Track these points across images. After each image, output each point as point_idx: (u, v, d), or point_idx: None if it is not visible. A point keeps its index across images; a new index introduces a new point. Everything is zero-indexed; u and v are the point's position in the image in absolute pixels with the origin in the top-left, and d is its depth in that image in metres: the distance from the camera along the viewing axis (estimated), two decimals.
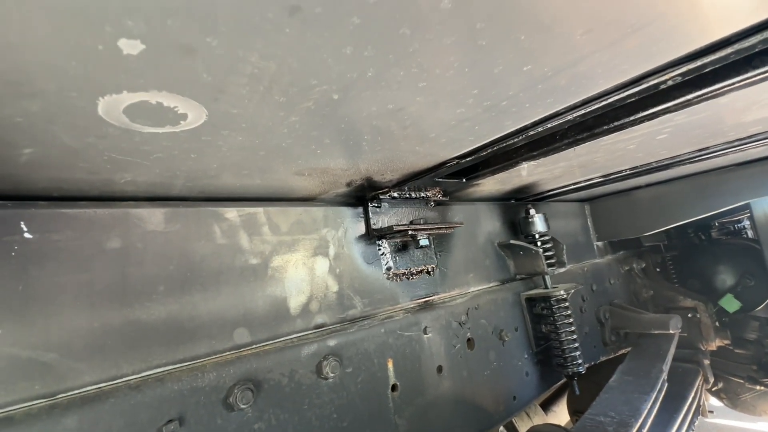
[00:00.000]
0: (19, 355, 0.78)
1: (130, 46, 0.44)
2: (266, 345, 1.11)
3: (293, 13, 0.43)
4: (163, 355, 0.94)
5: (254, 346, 1.09)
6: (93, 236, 0.90)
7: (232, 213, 1.12)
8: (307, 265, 1.25)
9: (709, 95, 0.88)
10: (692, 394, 2.40)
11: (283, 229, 1.22)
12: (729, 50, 0.68)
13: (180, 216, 1.03)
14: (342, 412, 1.18)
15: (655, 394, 1.91)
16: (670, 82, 0.76)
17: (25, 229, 0.82)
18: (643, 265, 3.03)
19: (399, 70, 0.59)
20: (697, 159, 1.64)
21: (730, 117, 1.19)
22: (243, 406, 0.98)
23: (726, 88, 0.84)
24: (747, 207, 2.44)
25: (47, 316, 0.82)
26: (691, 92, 0.88)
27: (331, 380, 1.17)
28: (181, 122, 0.64)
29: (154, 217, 0.99)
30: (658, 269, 3.30)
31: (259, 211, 1.18)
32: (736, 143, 1.48)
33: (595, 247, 2.70)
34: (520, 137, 0.99)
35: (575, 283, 2.10)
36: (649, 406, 1.81)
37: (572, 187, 2.08)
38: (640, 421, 1.71)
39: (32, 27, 0.40)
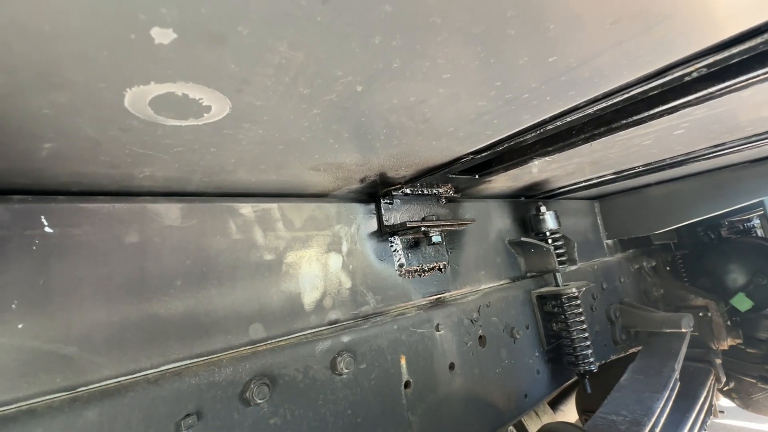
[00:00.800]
0: (40, 348, 0.78)
1: (163, 35, 0.44)
2: (281, 340, 1.11)
3: (326, 0, 0.43)
4: (180, 350, 0.94)
5: (269, 342, 1.09)
6: (112, 231, 0.90)
7: (246, 208, 1.12)
8: (321, 261, 1.25)
9: (733, 88, 0.86)
10: (704, 394, 2.38)
11: (296, 224, 1.22)
12: (758, 40, 0.67)
13: (196, 211, 1.03)
14: (356, 408, 1.17)
15: (668, 393, 1.89)
16: (695, 74, 0.75)
17: (45, 223, 0.83)
18: (654, 263, 3.00)
19: (425, 60, 0.58)
20: (711, 155, 1.62)
21: (749, 111, 1.17)
22: (259, 401, 0.98)
23: (750, 81, 0.83)
24: (760, 204, 2.40)
25: (67, 309, 0.82)
26: (714, 85, 0.86)
27: (345, 376, 1.17)
28: (205, 115, 0.64)
29: (171, 212, 0.99)
30: (668, 268, 3.27)
31: (273, 206, 1.18)
32: (753, 138, 1.46)
33: (605, 245, 2.68)
34: (538, 131, 0.98)
35: (586, 281, 2.09)
36: (661, 405, 1.80)
37: (583, 184, 2.06)
38: (653, 420, 1.69)
39: (66, 15, 0.40)
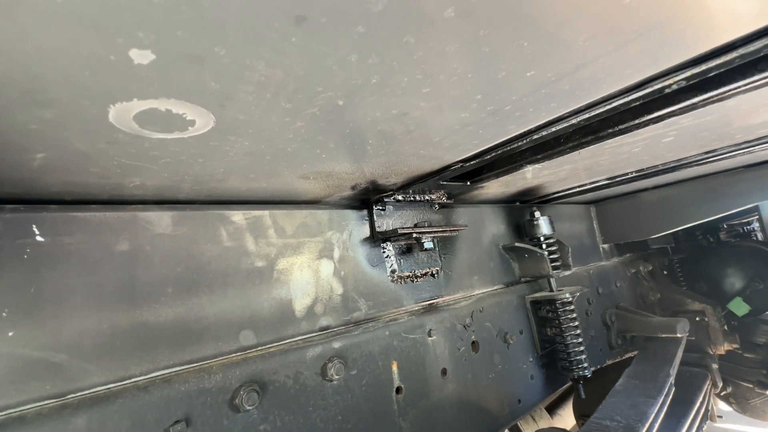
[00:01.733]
0: (30, 356, 0.79)
1: (141, 56, 0.45)
2: (271, 347, 1.12)
3: (299, 23, 0.44)
4: (170, 356, 0.95)
5: (260, 348, 1.10)
6: (103, 239, 0.92)
7: (238, 216, 1.14)
8: (312, 268, 1.26)
9: (715, 98, 0.87)
10: (700, 399, 2.38)
11: (288, 231, 1.23)
12: (734, 54, 0.68)
13: (187, 219, 1.04)
14: (347, 414, 1.18)
15: (662, 398, 1.89)
16: (674, 86, 0.76)
17: (37, 232, 0.84)
18: (650, 267, 3.00)
19: (403, 76, 0.60)
20: (704, 161, 1.63)
21: (737, 119, 1.18)
22: (249, 408, 0.99)
23: (732, 92, 0.84)
24: (756, 209, 2.41)
25: (58, 317, 0.84)
26: (696, 95, 0.87)
27: (335, 382, 1.18)
28: (189, 128, 0.65)
29: (162, 220, 1.01)
30: (665, 272, 3.26)
31: (264, 213, 1.19)
32: (743, 145, 1.46)
33: (600, 249, 2.69)
34: (525, 141, 1.00)
35: (581, 286, 2.09)
36: (656, 411, 1.80)
37: (577, 189, 2.07)
38: (647, 425, 1.69)
39: (48, 38, 0.42)
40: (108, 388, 0.86)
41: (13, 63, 0.45)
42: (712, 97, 0.87)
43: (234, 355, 1.05)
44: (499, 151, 1.08)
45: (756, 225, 3.70)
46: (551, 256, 1.93)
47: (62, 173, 0.77)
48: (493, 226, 1.97)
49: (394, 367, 1.33)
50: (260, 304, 1.13)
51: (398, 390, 1.32)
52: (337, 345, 1.21)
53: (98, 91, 0.51)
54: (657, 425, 1.76)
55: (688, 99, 0.88)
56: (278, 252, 1.20)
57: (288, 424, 1.07)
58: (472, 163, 1.16)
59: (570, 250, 2.00)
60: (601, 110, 0.85)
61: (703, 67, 0.72)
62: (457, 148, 1.02)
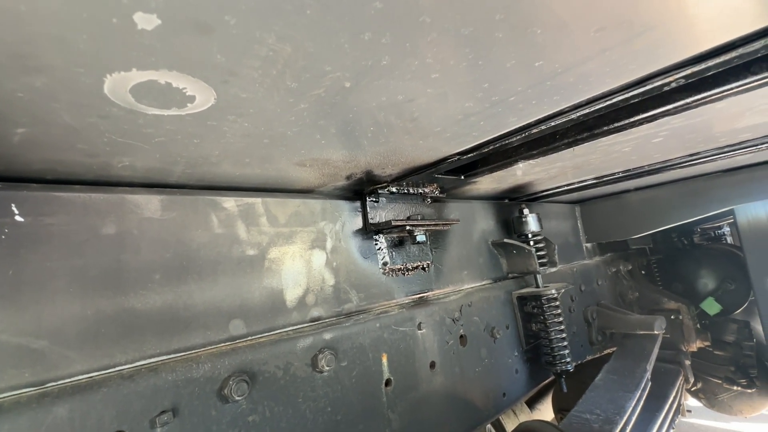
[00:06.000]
0: (8, 342, 0.75)
1: (146, 21, 0.43)
2: (261, 337, 1.10)
3: None
4: (157, 345, 0.92)
5: (250, 338, 1.07)
6: (87, 221, 0.87)
7: (230, 202, 1.11)
8: (304, 258, 1.24)
9: (709, 99, 0.90)
10: (674, 394, 2.47)
11: (281, 220, 1.21)
12: (733, 54, 0.70)
13: (177, 204, 1.01)
14: (336, 405, 1.17)
15: (639, 392, 1.95)
16: (674, 84, 0.78)
17: (16, 212, 0.80)
18: (630, 267, 3.10)
19: (414, 59, 0.59)
20: (686, 164, 1.68)
21: (724, 122, 1.22)
22: (238, 398, 0.96)
23: (725, 93, 0.86)
24: (731, 213, 2.51)
25: (38, 302, 0.79)
26: (691, 95, 0.90)
27: (326, 374, 1.16)
28: (188, 105, 0.63)
29: (150, 203, 0.97)
30: (643, 272, 3.37)
31: (257, 201, 1.16)
32: (726, 149, 1.52)
33: (584, 248, 2.75)
34: (522, 135, 1.00)
35: (565, 283, 2.14)
36: (633, 405, 1.85)
37: (565, 188, 2.11)
38: (625, 419, 1.75)
39: None
40: (91, 377, 0.82)
41: (3, 23, 0.42)
42: (706, 97, 0.89)
43: (223, 344, 1.02)
44: (497, 145, 1.08)
45: (726, 229, 3.87)
46: (538, 253, 1.96)
47: (46, 150, 0.72)
48: (483, 222, 1.98)
49: (384, 360, 1.33)
50: (251, 293, 1.10)
51: (387, 382, 1.32)
52: (328, 336, 1.20)
53: (95, 58, 0.48)
54: (634, 419, 1.82)
55: (684, 98, 0.90)
56: (270, 241, 1.17)
57: (277, 415, 1.05)
58: (468, 156, 1.16)
59: (556, 247, 2.04)
60: (601, 106, 0.86)
61: (703, 65, 0.73)
62: (457, 139, 1.02)
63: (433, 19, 0.50)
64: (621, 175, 1.87)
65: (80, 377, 0.81)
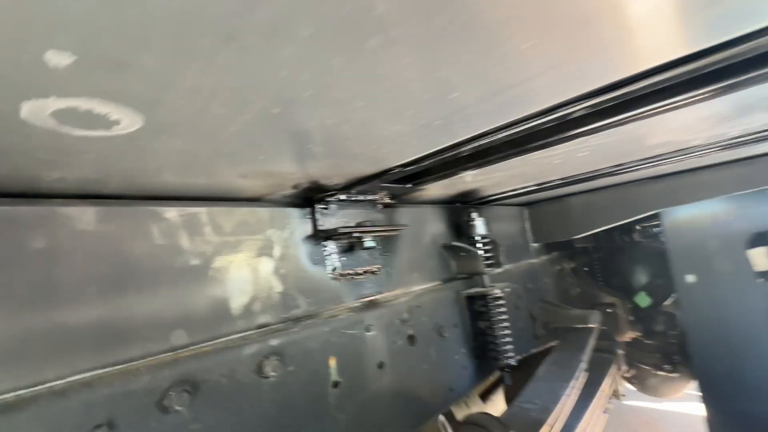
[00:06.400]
0: None
1: (60, 57, 0.44)
2: (205, 346, 1.11)
3: (228, 42, 0.46)
4: (91, 359, 0.91)
5: (193, 348, 1.08)
6: (12, 235, 0.85)
7: (172, 213, 1.10)
8: (251, 266, 1.26)
9: (618, 123, 1.01)
10: (608, 381, 2.70)
11: (226, 229, 1.21)
12: (623, 91, 0.80)
13: (114, 215, 1.00)
14: (282, 410, 1.20)
15: (575, 381, 2.13)
16: (581, 113, 0.87)
17: None
18: (573, 265, 3.33)
19: (335, 91, 0.63)
20: (615, 173, 1.85)
21: (637, 141, 1.36)
22: (179, 408, 0.98)
23: (626, 120, 0.97)
24: (659, 215, 2.76)
25: None
26: (602, 120, 1.00)
27: (272, 379, 1.19)
28: (115, 127, 0.63)
29: (85, 215, 0.95)
30: (586, 269, 3.63)
31: (201, 211, 1.16)
32: (643, 162, 1.68)
33: (531, 248, 2.92)
34: (454, 152, 1.07)
35: (511, 282, 2.27)
36: (568, 392, 2.02)
37: (511, 193, 2.24)
38: (559, 405, 1.91)
39: None
40: (18, 395, 0.81)
41: None
42: (613, 122, 1.00)
43: (164, 355, 1.03)
44: (438, 158, 1.15)
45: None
46: (486, 255, 2.08)
47: None
48: (434, 226, 2.07)
49: (332, 363, 1.37)
50: (194, 303, 1.11)
51: (335, 384, 1.36)
52: (274, 342, 1.23)
53: (9, 87, 0.49)
54: (568, 404, 1.99)
55: (594, 123, 1.01)
56: (215, 250, 1.18)
57: (221, 422, 1.07)
58: (410, 168, 1.22)
59: (503, 249, 2.17)
60: (519, 129, 0.94)
61: (601, 98, 0.83)
62: (396, 154, 1.07)
63: (346, 61, 0.54)
64: (559, 182, 2.01)
65: (6, 395, 0.80)
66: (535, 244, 2.98)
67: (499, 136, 0.98)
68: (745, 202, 2.45)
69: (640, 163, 1.75)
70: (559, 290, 3.09)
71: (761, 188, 2.06)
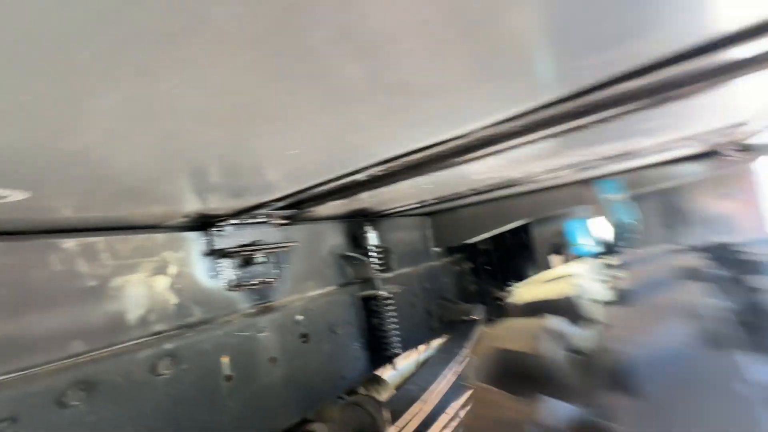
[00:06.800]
0: None
1: None
2: (104, 352, 1.33)
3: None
4: None
5: (91, 354, 1.30)
6: None
7: (70, 243, 1.30)
8: (147, 284, 1.48)
9: (441, 168, 1.38)
10: None
11: (123, 254, 1.43)
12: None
13: (13, 249, 1.18)
14: (177, 401, 1.45)
15: (453, 364, 2.58)
16: (419, 160, 1.23)
17: None
18: (472, 265, 3.84)
19: (213, 132, 0.91)
20: (472, 195, 2.30)
21: (465, 178, 1.78)
22: (76, 403, 1.20)
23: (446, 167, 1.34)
24: (528, 225, 3.35)
25: None
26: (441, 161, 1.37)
27: (166, 376, 1.43)
28: (4, 199, 0.86)
29: None
30: (488, 267, 4.18)
31: (99, 240, 1.37)
32: (480, 190, 2.14)
33: (432, 252, 3.36)
34: (337, 182, 1.37)
35: (408, 283, 2.68)
36: (444, 373, 2.46)
37: (406, 207, 2.63)
38: (434, 384, 2.33)
39: None
40: None
41: None
42: (440, 166, 1.36)
43: (63, 361, 1.24)
44: (314, 191, 1.44)
45: None
46: (379, 261, 2.45)
47: None
48: (333, 238, 2.39)
49: (226, 360, 1.64)
50: (93, 317, 1.32)
51: (228, 378, 1.63)
52: (169, 346, 1.47)
53: None
54: (443, 384, 2.42)
55: (431, 166, 1.37)
56: (113, 272, 1.39)
57: (117, 414, 1.30)
58: (296, 197, 1.51)
59: (395, 255, 2.56)
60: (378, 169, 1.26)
61: (436, 150, 1.18)
62: (281, 187, 1.35)
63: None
64: (447, 197, 2.42)
65: None
66: (437, 249, 3.43)
67: (367, 173, 1.30)
68: None
69: (478, 191, 2.21)
70: (459, 288, 3.57)
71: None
